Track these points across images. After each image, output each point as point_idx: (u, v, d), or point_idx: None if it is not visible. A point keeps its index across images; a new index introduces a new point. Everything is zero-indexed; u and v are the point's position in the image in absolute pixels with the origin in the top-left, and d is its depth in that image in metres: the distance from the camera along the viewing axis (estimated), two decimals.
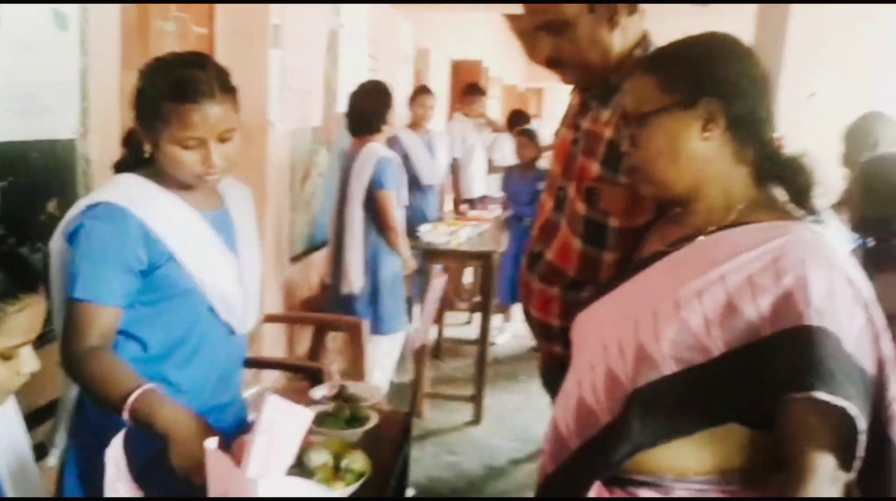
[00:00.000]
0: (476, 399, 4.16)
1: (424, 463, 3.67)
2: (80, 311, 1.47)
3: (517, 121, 6.77)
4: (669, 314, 1.13)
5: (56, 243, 1.55)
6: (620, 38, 1.54)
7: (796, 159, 1.21)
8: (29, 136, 1.88)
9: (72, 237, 1.49)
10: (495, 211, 5.71)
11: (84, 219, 1.49)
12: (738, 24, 4.16)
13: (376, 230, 3.50)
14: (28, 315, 1.18)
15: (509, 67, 13.16)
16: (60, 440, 1.65)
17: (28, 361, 1.22)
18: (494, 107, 10.95)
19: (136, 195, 1.53)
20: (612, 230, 1.51)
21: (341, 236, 3.51)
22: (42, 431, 1.69)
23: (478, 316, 4.54)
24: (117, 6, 2.24)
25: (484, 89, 6.69)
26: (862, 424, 1.03)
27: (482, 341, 4.22)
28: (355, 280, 3.47)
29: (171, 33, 2.89)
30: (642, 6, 1.57)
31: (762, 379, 1.06)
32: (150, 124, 1.51)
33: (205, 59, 1.57)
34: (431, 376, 4.53)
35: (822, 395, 1.02)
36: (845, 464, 1.06)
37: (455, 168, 5.94)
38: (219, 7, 3.26)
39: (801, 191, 1.20)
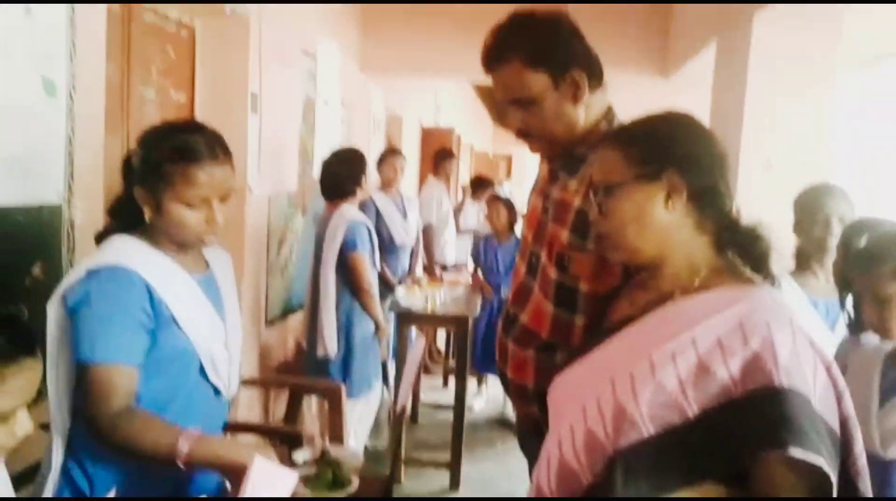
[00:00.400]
0: (453, 466, 4.12)
1: None
2: (103, 374, 1.47)
3: (481, 186, 6.85)
4: (646, 375, 1.17)
5: (55, 310, 1.53)
6: (584, 112, 1.62)
7: (754, 229, 1.28)
8: (15, 200, 1.89)
9: (79, 304, 1.49)
10: (466, 277, 5.74)
11: (90, 284, 1.50)
12: (697, 95, 4.36)
13: (350, 293, 3.52)
14: (26, 378, 1.19)
15: (479, 134, 13.43)
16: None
17: (23, 423, 1.22)
18: (464, 173, 11.14)
19: (137, 257, 1.55)
20: (583, 295, 1.56)
21: (317, 300, 3.52)
22: (26, 491, 1.66)
23: (453, 380, 4.53)
24: (102, 74, 2.27)
25: (454, 153, 6.80)
26: (834, 480, 1.06)
27: (458, 405, 4.20)
28: (330, 343, 3.47)
29: (152, 101, 2.94)
30: (606, 82, 1.65)
31: (737, 438, 1.10)
32: (153, 187, 1.55)
33: (202, 125, 1.62)
34: (408, 441, 4.48)
35: (797, 452, 1.04)
36: None
37: (428, 233, 5.98)
38: (198, 73, 3.32)
39: (758, 258, 1.27)
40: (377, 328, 3.60)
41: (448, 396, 4.81)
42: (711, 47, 4.14)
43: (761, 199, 3.19)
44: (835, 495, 1.07)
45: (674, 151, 1.26)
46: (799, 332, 1.13)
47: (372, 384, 3.60)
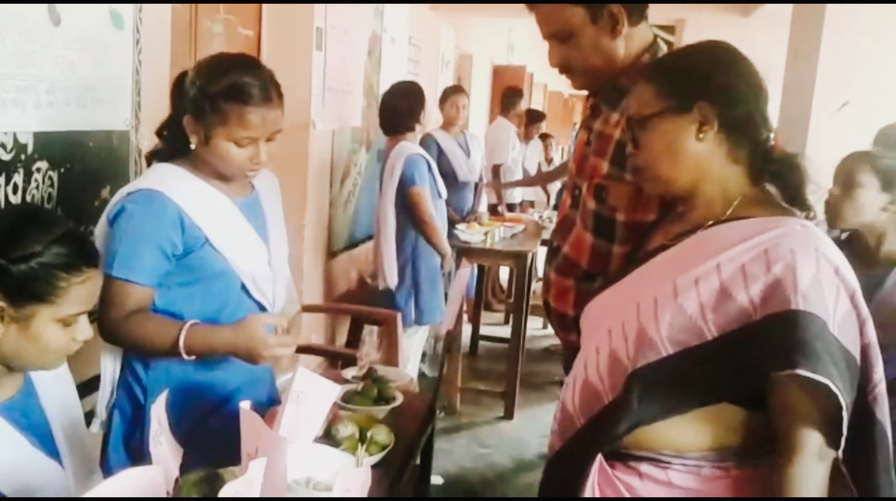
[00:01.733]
0: (508, 396, 4.24)
1: (455, 454, 3.76)
2: (116, 287, 1.61)
3: (511, 99, 6.40)
4: (668, 299, 1.21)
5: (100, 226, 1.69)
6: (625, 45, 1.62)
7: (790, 158, 1.28)
8: (86, 126, 2.03)
9: (113, 220, 1.63)
10: (534, 215, 5.75)
11: (125, 203, 1.62)
12: (777, 34, 4.21)
13: (413, 227, 3.60)
14: (89, 287, 1.30)
15: (554, 73, 13.17)
16: (101, 409, 1.78)
17: (84, 329, 1.33)
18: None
19: (174, 183, 1.65)
20: (620, 225, 1.59)
21: (379, 233, 3.64)
22: (89, 401, 1.83)
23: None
24: (168, 8, 2.38)
25: (521, 91, 6.67)
26: (843, 401, 1.09)
27: (514, 337, 4.29)
28: (389, 276, 3.59)
29: (219, 35, 3.04)
30: (648, 15, 1.65)
31: (751, 360, 1.14)
32: (204, 120, 1.62)
33: (259, 64, 1.69)
34: (466, 371, 4.62)
35: (804, 372, 1.08)
36: (832, 441, 1.13)
37: (497, 173, 5.98)
38: (265, 10, 3.41)
39: (794, 189, 1.28)
40: (442, 259, 3.69)
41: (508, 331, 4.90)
42: None
43: (837, 139, 3.13)
44: (845, 418, 1.10)
45: (705, 83, 1.27)
46: (823, 259, 1.15)
47: (437, 313, 3.70)
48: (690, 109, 1.26)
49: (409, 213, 3.58)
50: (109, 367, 1.76)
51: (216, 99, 1.59)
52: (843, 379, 1.10)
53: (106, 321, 1.62)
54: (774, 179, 1.29)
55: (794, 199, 1.28)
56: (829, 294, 1.13)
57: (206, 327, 1.64)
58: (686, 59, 1.35)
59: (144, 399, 1.69)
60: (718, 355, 1.16)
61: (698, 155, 1.28)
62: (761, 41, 5.90)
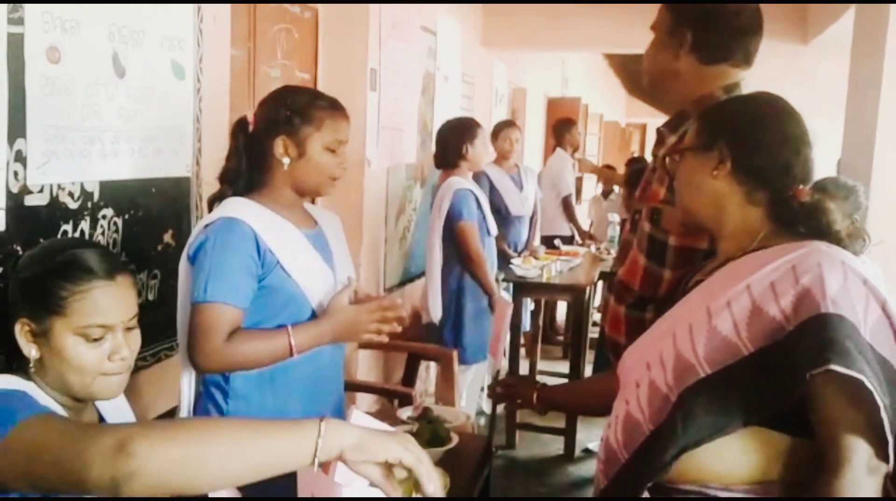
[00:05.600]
0: (568, 433, 4.17)
1: (514, 494, 3.70)
2: (211, 313, 1.63)
3: (563, 130, 6.27)
4: (702, 323, 1.25)
5: (182, 266, 1.76)
6: (695, 80, 1.68)
7: (811, 208, 1.30)
8: (149, 173, 2.10)
9: (195, 254, 1.69)
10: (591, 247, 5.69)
11: (206, 235, 1.69)
12: (837, 62, 4.16)
13: (459, 262, 3.61)
14: (98, 296, 1.25)
15: (609, 104, 13.14)
16: None
17: (118, 346, 1.27)
18: (593, 143, 10.98)
19: (246, 211, 1.72)
20: (671, 249, 1.63)
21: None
22: None
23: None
24: (227, 56, 2.46)
25: (572, 120, 6.64)
26: (879, 400, 1.09)
27: (573, 373, 4.23)
28: (434, 310, 3.61)
29: (277, 79, 3.12)
30: (739, 59, 1.68)
31: (787, 368, 1.14)
32: (299, 134, 1.75)
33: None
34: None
35: (836, 367, 1.09)
36: (881, 452, 1.11)
37: (568, 203, 5.99)
38: (321, 53, 3.49)
39: (818, 233, 1.28)
40: (489, 298, 3.67)
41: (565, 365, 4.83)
42: (850, 13, 4.00)
43: None
44: (885, 419, 1.09)
45: (729, 127, 1.36)
46: (850, 271, 1.18)
47: (483, 352, 3.68)
48: (712, 148, 1.35)
49: (455, 247, 3.59)
50: (185, 399, 1.80)
51: (309, 109, 1.75)
52: (878, 380, 1.10)
53: (206, 351, 1.64)
54: (795, 224, 1.32)
55: (822, 237, 1.28)
56: (858, 302, 1.16)
57: (304, 325, 1.72)
58: (727, 104, 1.48)
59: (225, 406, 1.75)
60: (756, 369, 1.18)
61: (715, 191, 1.36)
62: (822, 69, 5.83)
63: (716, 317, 1.23)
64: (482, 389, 4.02)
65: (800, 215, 1.30)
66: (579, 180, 6.97)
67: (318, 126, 1.74)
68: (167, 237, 2.18)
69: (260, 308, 1.72)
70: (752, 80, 1.69)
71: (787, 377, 1.14)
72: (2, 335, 1.28)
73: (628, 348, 1.46)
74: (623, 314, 1.73)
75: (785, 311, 1.17)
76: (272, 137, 1.75)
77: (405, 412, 2.18)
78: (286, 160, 1.75)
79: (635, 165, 6.41)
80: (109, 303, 1.26)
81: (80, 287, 1.24)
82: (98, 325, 1.25)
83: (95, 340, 1.25)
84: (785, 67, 5.74)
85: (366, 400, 3.67)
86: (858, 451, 1.11)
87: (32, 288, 1.25)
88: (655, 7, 1.75)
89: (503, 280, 4.09)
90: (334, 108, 1.78)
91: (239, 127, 1.81)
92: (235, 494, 1.39)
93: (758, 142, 1.33)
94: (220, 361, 1.66)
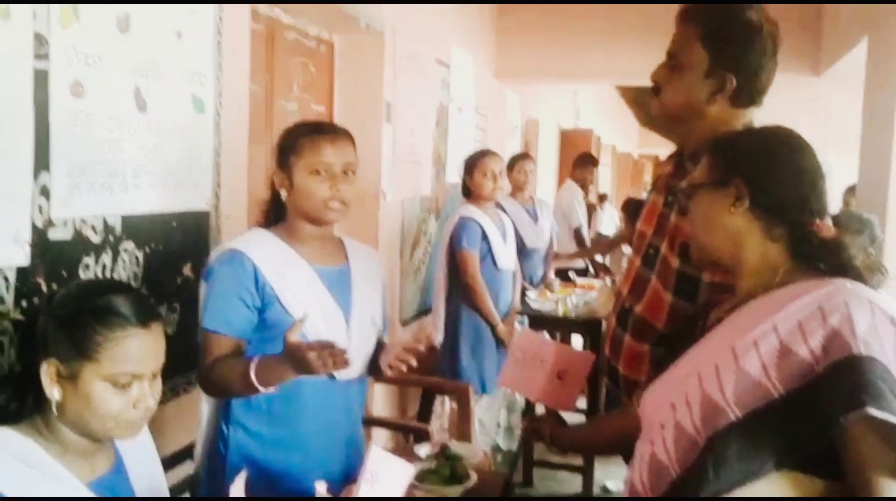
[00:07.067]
0: (586, 472, 4.09)
1: None
2: (206, 339, 1.75)
3: (585, 166, 6.37)
4: (729, 364, 1.22)
5: (201, 289, 1.82)
6: (722, 120, 1.64)
7: (830, 244, 1.28)
8: (169, 207, 2.10)
9: (206, 280, 1.79)
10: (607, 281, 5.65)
11: (213, 264, 1.79)
12: (850, 93, 4.17)
13: (459, 289, 3.61)
14: (132, 345, 1.24)
15: (622, 135, 13.19)
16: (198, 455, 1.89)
17: (143, 395, 1.27)
18: (606, 174, 11.00)
19: (255, 245, 1.78)
20: (704, 285, 1.59)
21: None
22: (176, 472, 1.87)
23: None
24: (246, 90, 2.48)
25: (596, 159, 6.67)
26: None
27: (590, 410, 4.17)
28: (435, 332, 3.63)
29: (293, 113, 3.14)
30: (760, 102, 1.67)
31: (821, 410, 1.12)
32: (287, 164, 1.78)
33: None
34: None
35: (874, 411, 1.07)
36: None
37: (580, 235, 5.98)
38: (336, 86, 3.52)
39: (837, 268, 1.26)
40: (493, 328, 3.63)
41: (582, 401, 4.77)
42: (863, 45, 4.00)
43: None
44: None
45: (745, 162, 1.33)
46: (878, 310, 1.16)
47: (481, 385, 3.62)
48: (728, 184, 1.33)
49: (457, 275, 3.60)
50: (203, 422, 1.87)
51: (290, 138, 1.80)
52: None
53: (198, 372, 1.78)
54: (815, 260, 1.29)
55: (842, 274, 1.26)
56: (886, 342, 1.14)
57: (270, 358, 1.66)
58: (740, 138, 1.42)
59: (226, 452, 1.78)
60: (788, 412, 1.16)
61: (733, 227, 1.33)
62: (834, 100, 5.83)
63: (743, 358, 1.21)
64: (498, 424, 3.97)
65: (820, 250, 1.28)
66: (591, 208, 6.94)
67: (299, 152, 1.76)
68: (187, 270, 2.17)
69: (263, 340, 1.76)
70: (762, 112, 1.68)
71: (821, 420, 1.12)
72: (22, 370, 1.27)
73: (648, 387, 1.43)
74: (647, 353, 1.69)
75: (814, 351, 1.15)
76: (274, 173, 1.83)
77: (422, 449, 2.15)
78: (283, 193, 1.80)
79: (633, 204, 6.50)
80: (142, 352, 1.26)
81: (116, 334, 1.24)
82: (129, 373, 1.25)
83: (123, 386, 1.24)
84: (797, 98, 5.82)
85: (381, 435, 3.63)
86: (893, 494, 1.09)
87: (66, 330, 1.23)
88: (668, 39, 1.72)
89: (520, 313, 4.07)
90: (315, 131, 1.79)
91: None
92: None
93: (775, 177, 1.31)
94: (203, 384, 1.78)
